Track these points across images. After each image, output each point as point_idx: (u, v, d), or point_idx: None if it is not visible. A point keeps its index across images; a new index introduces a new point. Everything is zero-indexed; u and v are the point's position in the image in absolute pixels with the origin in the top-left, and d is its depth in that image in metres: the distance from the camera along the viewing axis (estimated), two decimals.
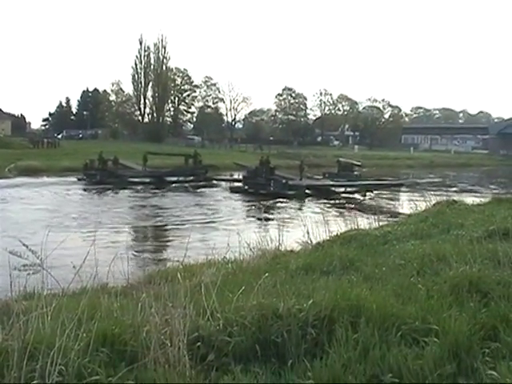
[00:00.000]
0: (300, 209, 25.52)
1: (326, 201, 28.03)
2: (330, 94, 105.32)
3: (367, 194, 32.08)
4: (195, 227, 18.93)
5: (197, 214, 22.49)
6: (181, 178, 38.21)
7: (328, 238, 10.28)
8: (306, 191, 30.53)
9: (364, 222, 12.82)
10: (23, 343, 3.46)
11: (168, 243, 16.49)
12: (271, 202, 27.39)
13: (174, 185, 36.17)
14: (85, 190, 32.30)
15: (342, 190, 32.73)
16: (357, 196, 31.50)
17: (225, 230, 17.16)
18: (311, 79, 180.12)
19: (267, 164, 32.72)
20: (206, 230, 18.38)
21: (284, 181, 30.95)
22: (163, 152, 47.70)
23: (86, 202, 26.39)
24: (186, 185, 36.32)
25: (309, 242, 10.46)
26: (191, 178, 38.47)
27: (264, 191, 30.21)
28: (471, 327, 4.02)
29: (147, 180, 36.79)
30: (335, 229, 10.92)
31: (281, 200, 27.85)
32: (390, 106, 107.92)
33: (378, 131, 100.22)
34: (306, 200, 28.77)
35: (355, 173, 37.96)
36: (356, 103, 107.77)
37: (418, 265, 6.34)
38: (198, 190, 33.71)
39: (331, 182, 33.53)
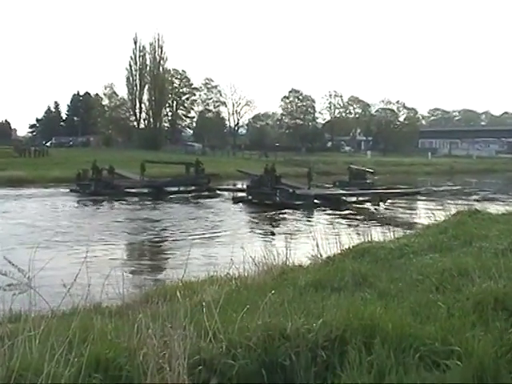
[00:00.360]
0: (309, 220, 25.51)
1: (336, 211, 28.02)
2: (341, 96, 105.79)
3: (381, 203, 32.10)
4: (196, 241, 18.97)
5: (198, 227, 22.54)
6: (181, 188, 38.40)
7: (339, 251, 10.25)
8: (315, 201, 30.57)
9: (378, 233, 12.77)
10: (8, 370, 3.44)
11: (167, 259, 16.52)
12: (277, 212, 27.40)
13: (173, 195, 36.32)
14: (78, 201, 32.46)
15: (354, 199, 32.77)
16: (370, 206, 31.49)
17: (228, 243, 17.17)
18: (320, 80, 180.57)
19: (273, 172, 32.79)
20: (208, 245, 18.40)
21: (291, 190, 30.98)
22: (162, 160, 47.93)
23: (79, 215, 26.49)
24: (187, 195, 36.46)
25: (318, 256, 10.43)
26: (192, 188, 38.65)
27: (269, 201, 30.27)
28: (497, 349, 3.97)
29: (145, 190, 36.99)
30: (347, 241, 10.89)
31: (288, 211, 27.87)
32: (406, 107, 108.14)
33: (392, 135, 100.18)
34: (315, 211, 28.78)
35: (368, 181, 38.00)
36: (368, 105, 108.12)
37: (437, 280, 6.31)
38: (200, 201, 33.80)
39: (342, 191, 33.58)
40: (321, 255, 10.43)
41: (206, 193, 37.48)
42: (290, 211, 27.85)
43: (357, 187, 34.84)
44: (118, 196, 33.67)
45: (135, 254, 17.70)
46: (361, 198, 32.95)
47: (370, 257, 8.92)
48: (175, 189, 38.25)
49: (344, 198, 32.60)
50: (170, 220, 24.69)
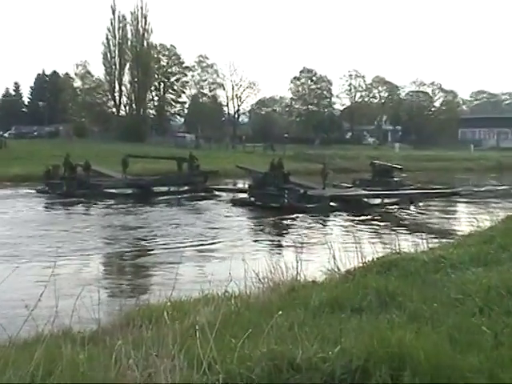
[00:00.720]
0: (323, 226, 25.52)
1: (356, 216, 28.04)
2: (363, 77, 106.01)
3: (411, 206, 32.15)
4: (188, 253, 18.97)
5: (190, 236, 22.55)
6: (172, 189, 38.44)
7: (360, 264, 10.25)
8: (331, 204, 30.60)
9: (408, 243, 12.76)
10: None
11: (152, 275, 16.53)
12: (285, 218, 27.41)
13: (162, 197, 36.38)
14: (46, 204, 32.54)
15: (378, 201, 32.80)
16: (398, 209, 31.49)
17: (226, 255, 17.18)
18: (337, 58, 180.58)
19: (280, 169, 32.83)
20: (202, 257, 18.41)
21: (302, 190, 31.02)
22: (148, 155, 48.07)
23: (47, 221, 26.52)
24: (179, 197, 36.51)
25: (335, 269, 10.44)
26: (186, 187, 38.73)
27: (276, 204, 30.31)
28: None
29: (129, 191, 37.10)
30: (370, 252, 10.89)
31: (298, 215, 27.89)
32: (443, 90, 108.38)
33: (426, 124, 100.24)
34: (331, 215, 28.79)
35: (395, 179, 38.02)
36: (397, 88, 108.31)
37: (481, 300, 6.30)
38: (195, 204, 33.86)
39: (363, 192, 33.60)
40: (338, 269, 10.44)
41: (202, 194, 37.51)
42: (301, 216, 27.85)
43: (382, 187, 34.84)
44: (96, 198, 33.78)
45: (114, 269, 17.72)
46: (386, 200, 32.95)
47: (398, 271, 8.91)
48: (164, 189, 38.33)
49: (366, 199, 32.62)
50: (158, 227, 24.72)
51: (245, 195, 33.96)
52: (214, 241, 21.83)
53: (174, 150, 55.60)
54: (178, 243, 20.95)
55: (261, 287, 9.50)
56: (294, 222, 26.71)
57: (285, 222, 26.81)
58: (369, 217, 28.12)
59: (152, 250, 20.22)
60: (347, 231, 22.18)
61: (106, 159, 45.11)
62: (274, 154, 51.08)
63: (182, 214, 29.89)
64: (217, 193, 38.02)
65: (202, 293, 9.30)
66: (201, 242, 21.39)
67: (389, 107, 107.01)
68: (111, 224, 25.84)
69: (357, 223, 26.02)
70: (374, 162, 40.52)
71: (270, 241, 22.07)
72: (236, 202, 33.28)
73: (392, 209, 31.79)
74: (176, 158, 41.94)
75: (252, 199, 32.53)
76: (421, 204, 32.84)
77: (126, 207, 31.59)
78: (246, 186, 35.69)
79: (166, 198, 36.24)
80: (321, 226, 25.83)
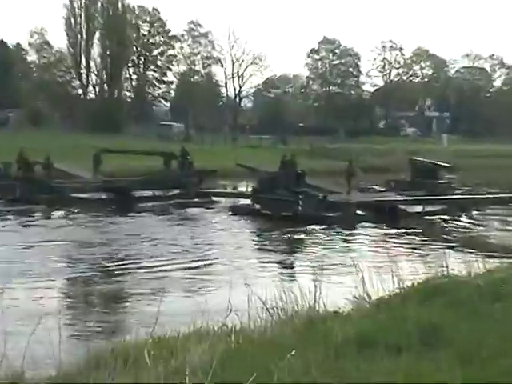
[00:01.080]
0: (348, 242, 25.47)
1: (391, 228, 28.05)
2: (400, 49, 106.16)
3: (463, 215, 32.13)
4: (175, 275, 18.99)
5: (178, 253, 22.57)
6: (158, 193, 38.44)
7: (397, 290, 10.28)
8: (358, 212, 30.55)
9: (458, 262, 12.79)
10: None
11: (129, 305, 16.52)
12: (299, 230, 27.38)
13: (145, 203, 36.42)
14: None
15: (419, 209, 32.72)
16: (445, 219, 31.40)
17: (224, 279, 17.17)
18: (367, 25, 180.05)
19: (292, 167, 32.85)
20: (193, 281, 18.39)
21: (320, 195, 30.97)
22: (126, 149, 48.20)
23: None
24: (167, 203, 36.55)
25: (365, 297, 10.46)
26: (175, 191, 38.74)
27: (287, 213, 30.26)
28: None
29: (102, 196, 37.09)
30: (409, 275, 10.92)
31: (315, 228, 27.87)
32: (505, 66, 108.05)
33: (482, 110, 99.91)
34: (358, 227, 28.76)
35: (441, 181, 37.90)
36: (444, 63, 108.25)
37: None
38: (185, 212, 33.82)
39: (400, 197, 33.54)
40: (368, 296, 10.46)
41: (196, 199, 37.51)
42: (319, 228, 27.84)
43: (424, 191, 34.74)
44: (60, 204, 33.73)
45: (78, 299, 17.67)
46: (430, 208, 32.87)
47: (445, 299, 8.92)
48: (148, 193, 38.34)
49: (403, 207, 32.52)
50: (137, 243, 24.70)
51: (247, 201, 33.92)
52: (208, 261, 21.81)
53: (157, 144, 55.72)
54: (163, 264, 20.95)
55: (269, 319, 9.52)
56: (311, 236, 26.66)
57: (298, 235, 26.74)
58: (407, 229, 28.07)
59: (129, 272, 20.24)
60: (379, 248, 22.14)
61: (71, 155, 45.11)
62: (286, 149, 51.06)
63: (168, 225, 29.85)
64: (215, 198, 38.00)
65: (194, 327, 9.32)
66: (191, 263, 21.39)
67: (434, 88, 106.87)
68: (77, 239, 25.79)
69: (391, 237, 25.95)
70: (413, 159, 40.37)
71: (279, 260, 22.03)
72: (236, 210, 33.19)
73: (437, 219, 31.69)
74: (163, 154, 42.06)
75: (256, 206, 32.43)
76: (475, 213, 32.77)
77: (97, 217, 31.59)
78: (250, 189, 35.54)
79: (149, 204, 36.25)
80: (345, 240, 25.77)
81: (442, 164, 40.40)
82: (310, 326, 8.60)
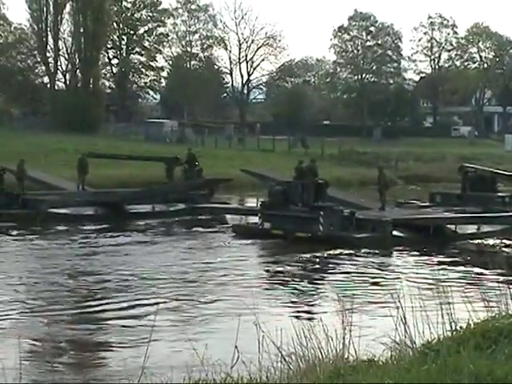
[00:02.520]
0: (383, 270, 25.52)
1: (437, 253, 28.22)
2: (453, 27, 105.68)
3: None
4: (168, 314, 19.10)
5: (173, 286, 22.67)
6: (159, 208, 38.78)
7: (449, 333, 10.22)
8: (394, 233, 30.58)
9: None
10: None
11: (107, 354, 16.60)
12: (320, 256, 27.46)
13: (143, 221, 36.76)
14: None
15: (473, 229, 32.70)
16: (506, 243, 31.31)
17: (228, 317, 17.21)
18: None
19: (312, 176, 32.94)
20: (190, 321, 18.47)
21: (347, 211, 31.08)
22: (119, 154, 49.02)
23: None
24: (171, 220, 36.88)
25: (407, 342, 10.40)
26: (180, 206, 39.05)
27: (304, 233, 30.37)
28: None
29: (89, 212, 37.59)
30: (463, 314, 10.87)
31: (341, 251, 27.97)
32: None
33: None
34: (395, 251, 28.82)
35: (501, 194, 37.84)
36: (510, 43, 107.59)
37: None
38: (193, 232, 34.06)
39: (448, 215, 33.54)
40: (412, 341, 10.39)
41: (204, 216, 37.83)
42: (345, 252, 27.92)
43: (478, 207, 34.71)
44: (35, 222, 33.96)
45: (41, 349, 17.64)
46: (487, 228, 32.88)
47: (509, 345, 8.87)
48: (146, 208, 38.70)
49: (452, 226, 32.51)
50: (123, 272, 24.83)
51: (256, 218, 33.87)
52: (208, 296, 21.85)
53: (145, 147, 56.07)
54: (159, 295, 21.08)
55: (285, 370, 9.46)
56: (335, 263, 26.75)
57: (319, 262, 26.86)
58: (457, 255, 28.08)
59: (116, 305, 20.33)
60: (423, 278, 22.18)
61: (36, 159, 45.44)
62: (307, 153, 51.20)
63: (172, 248, 30.02)
64: (228, 216, 38.26)
65: (189, 378, 9.29)
66: (190, 294, 21.48)
67: (495, 76, 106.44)
68: (66, 265, 26.02)
69: (438, 265, 26.07)
70: (465, 166, 40.37)
71: (296, 295, 22.07)
72: (241, 230, 33.29)
73: (496, 242, 31.59)
74: (165, 159, 42.70)
75: (266, 225, 32.43)
76: None
77: (81, 238, 31.78)
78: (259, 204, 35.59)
79: (148, 221, 36.55)
80: (378, 268, 25.83)
81: (502, 172, 40.40)
82: (337, 378, 8.56)
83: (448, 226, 32.47)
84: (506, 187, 41.72)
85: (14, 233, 32.66)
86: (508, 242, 31.49)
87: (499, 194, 37.91)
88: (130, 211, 38.47)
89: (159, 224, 36.38)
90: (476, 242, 31.55)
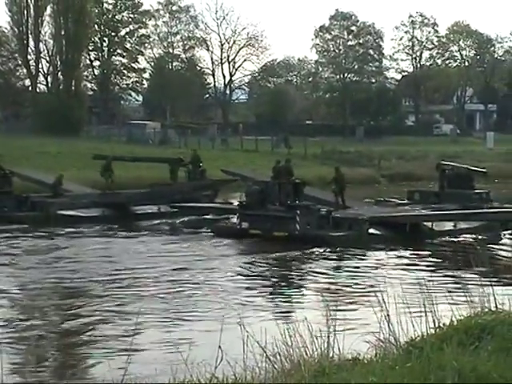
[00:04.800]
0: (360, 268, 25.66)
1: (414, 250, 28.46)
2: (434, 25, 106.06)
3: (505, 234, 32.48)
4: (153, 314, 19.09)
5: (155, 286, 22.67)
6: (164, 209, 38.96)
7: (432, 330, 10.23)
8: (371, 231, 30.66)
9: (504, 295, 12.75)
10: None
11: (91, 350, 16.55)
12: (297, 255, 27.53)
13: (149, 221, 37.35)
14: None
15: (450, 226, 32.86)
16: (483, 239, 31.37)
17: (212, 317, 17.21)
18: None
19: (288, 175, 33.08)
20: (175, 320, 18.53)
21: (323, 210, 31.16)
22: (123, 156, 49.12)
23: None
24: (177, 221, 37.41)
25: (391, 339, 10.41)
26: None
27: (282, 233, 30.43)
28: None
29: (95, 214, 37.92)
30: (446, 312, 10.89)
31: (318, 250, 28.07)
32: None
33: None
34: (372, 249, 28.94)
35: (478, 191, 38.00)
36: (490, 42, 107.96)
37: None
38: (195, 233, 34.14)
39: (425, 212, 33.68)
40: (395, 339, 10.40)
41: (208, 216, 38.03)
42: (322, 251, 28.02)
43: (455, 203, 34.83)
44: (46, 224, 34.40)
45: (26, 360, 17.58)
46: (463, 225, 33.06)
47: (494, 341, 8.89)
48: (153, 208, 38.89)
49: (428, 224, 32.62)
50: (122, 272, 24.92)
51: (234, 218, 34.16)
52: (190, 298, 21.84)
53: (127, 148, 56.04)
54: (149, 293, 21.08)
55: (270, 369, 9.45)
56: (312, 262, 26.80)
57: (297, 261, 26.89)
58: (435, 252, 28.20)
59: (109, 311, 20.31)
60: (403, 276, 22.32)
61: (20, 159, 45.56)
62: (290, 153, 51.19)
63: (176, 247, 30.11)
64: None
65: (174, 381, 9.27)
66: (169, 300, 21.47)
67: (477, 74, 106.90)
68: (52, 266, 26.03)
69: (417, 263, 26.27)
70: (442, 164, 40.42)
71: (277, 293, 22.12)
72: (220, 231, 33.35)
73: (474, 239, 31.65)
74: (169, 161, 43.27)
75: (244, 225, 32.45)
76: None
77: (90, 239, 31.89)
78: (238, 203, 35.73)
79: (154, 222, 36.71)
80: (356, 266, 25.89)
81: (477, 169, 40.60)
82: (321, 377, 8.55)
83: (425, 223, 32.59)
84: (484, 184, 41.99)
85: (26, 234, 32.70)
86: (484, 238, 31.66)
87: (476, 190, 38.04)
88: (136, 212, 38.84)
89: (162, 224, 36.91)
90: (453, 239, 31.64)
